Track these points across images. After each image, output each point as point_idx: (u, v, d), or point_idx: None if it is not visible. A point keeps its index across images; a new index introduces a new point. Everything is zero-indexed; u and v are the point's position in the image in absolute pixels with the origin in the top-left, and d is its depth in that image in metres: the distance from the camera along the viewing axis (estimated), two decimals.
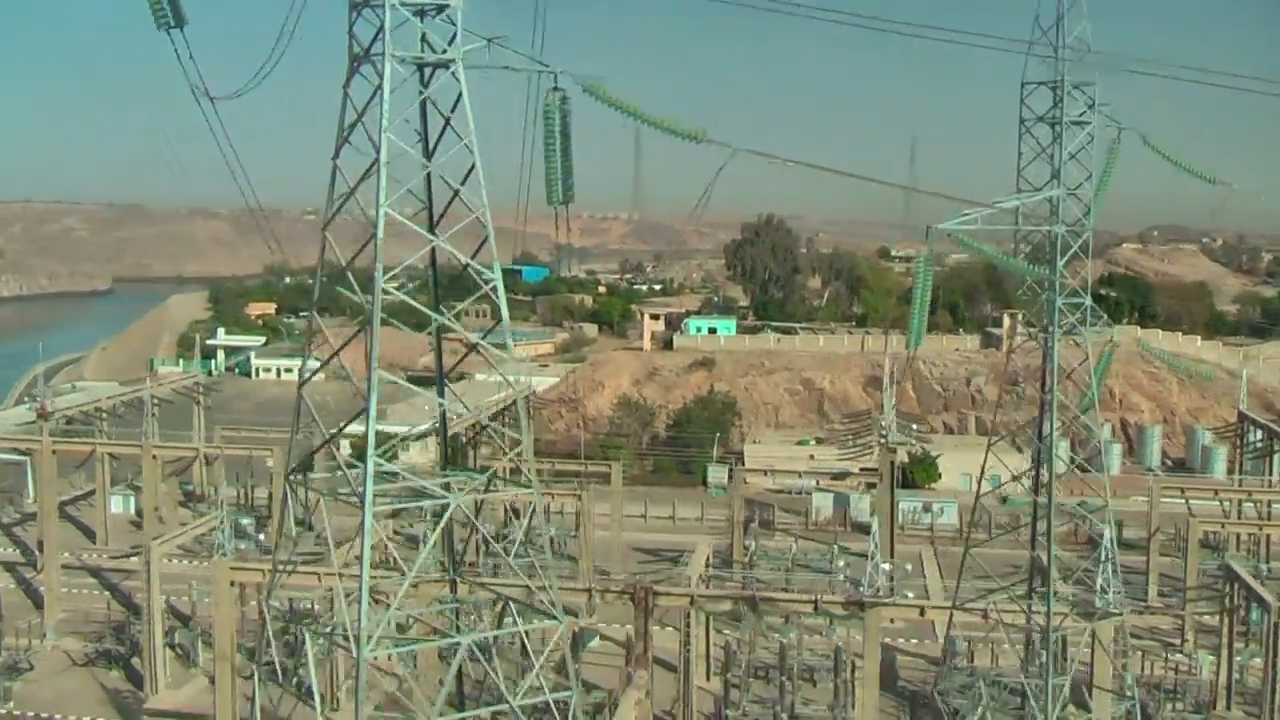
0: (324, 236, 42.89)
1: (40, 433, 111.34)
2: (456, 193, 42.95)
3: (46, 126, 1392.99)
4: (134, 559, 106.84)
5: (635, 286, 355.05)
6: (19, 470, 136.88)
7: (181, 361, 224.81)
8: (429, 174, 43.45)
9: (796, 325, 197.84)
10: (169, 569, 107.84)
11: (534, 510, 43.75)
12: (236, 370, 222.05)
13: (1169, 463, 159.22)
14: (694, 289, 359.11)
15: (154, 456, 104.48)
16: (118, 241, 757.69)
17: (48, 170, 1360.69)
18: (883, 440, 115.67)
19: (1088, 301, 56.39)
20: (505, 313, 42.92)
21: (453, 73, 41.70)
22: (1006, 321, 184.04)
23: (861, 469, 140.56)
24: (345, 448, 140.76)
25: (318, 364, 47.83)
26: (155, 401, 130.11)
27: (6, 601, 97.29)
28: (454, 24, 41.67)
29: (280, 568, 46.45)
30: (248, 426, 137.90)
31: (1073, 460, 64.39)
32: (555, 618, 43.89)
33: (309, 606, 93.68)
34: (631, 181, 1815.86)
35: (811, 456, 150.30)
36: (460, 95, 42.18)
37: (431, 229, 43.62)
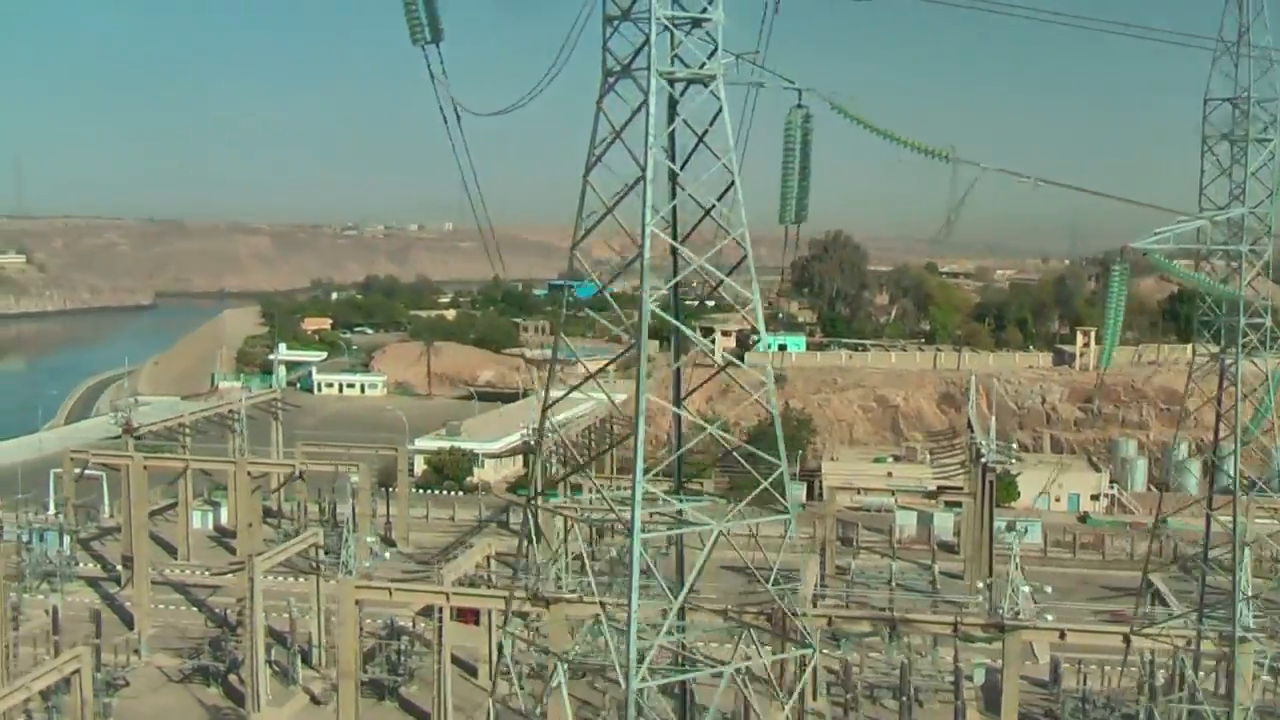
0: (572, 255, 41.51)
1: (126, 448, 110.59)
2: (707, 211, 41.36)
3: (81, 142, 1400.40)
4: (228, 575, 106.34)
5: (687, 302, 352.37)
6: (93, 485, 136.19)
7: (243, 376, 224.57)
8: (675, 190, 41.77)
9: (866, 342, 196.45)
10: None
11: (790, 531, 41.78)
12: (298, 385, 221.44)
13: None
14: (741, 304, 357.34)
15: (248, 473, 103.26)
16: (158, 256, 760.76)
17: (85, 186, 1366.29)
18: (980, 459, 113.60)
19: (1268, 322, 54.66)
20: (763, 329, 41.36)
21: (711, 90, 40.34)
22: (1080, 339, 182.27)
23: (941, 487, 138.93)
24: (418, 463, 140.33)
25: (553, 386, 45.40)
26: (236, 417, 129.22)
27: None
28: (714, 39, 40.37)
29: (517, 593, 44.88)
30: (320, 442, 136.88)
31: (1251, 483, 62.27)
32: (810, 645, 42.47)
33: (408, 625, 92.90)
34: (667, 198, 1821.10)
35: (889, 474, 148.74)
36: (719, 111, 40.65)
37: (675, 247, 41.88)
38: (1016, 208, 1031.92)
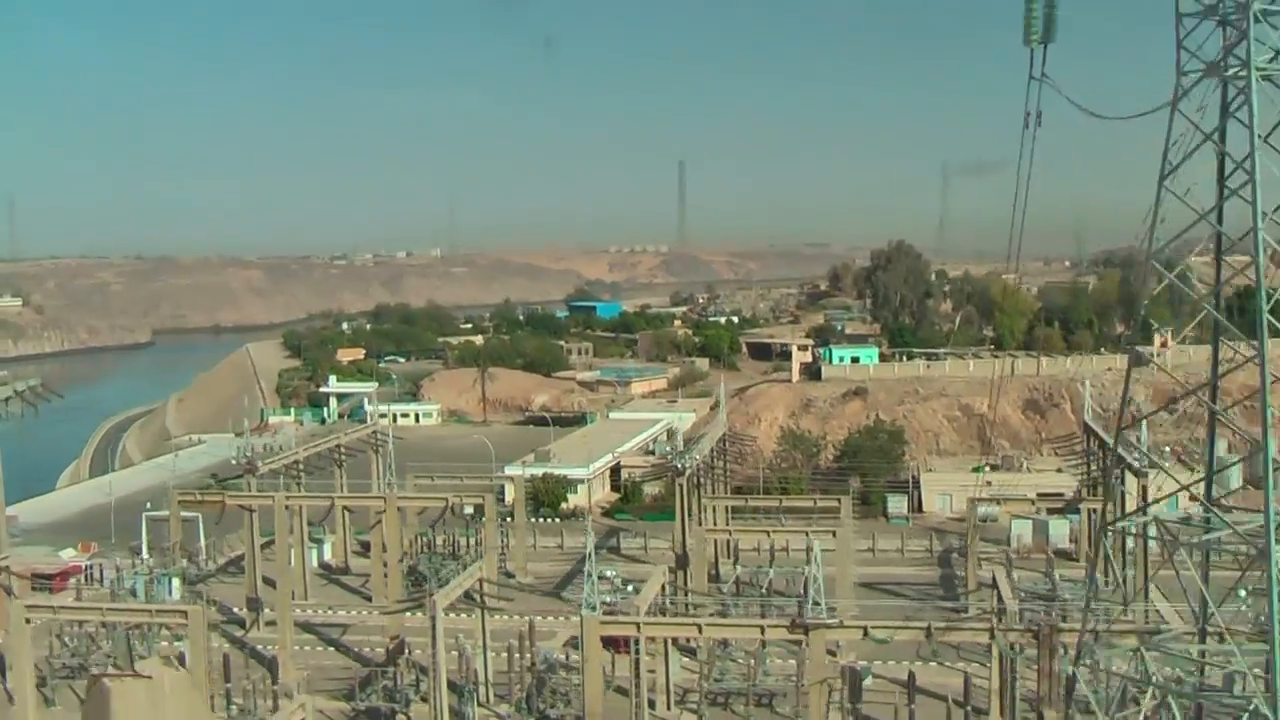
0: (1149, 264, 38.63)
1: (248, 488, 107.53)
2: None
3: (63, 182, 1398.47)
4: (395, 612, 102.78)
5: (712, 319, 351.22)
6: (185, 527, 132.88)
7: (293, 411, 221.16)
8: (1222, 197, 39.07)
9: (939, 350, 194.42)
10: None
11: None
12: (350, 416, 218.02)
13: None
14: (765, 319, 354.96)
15: (399, 508, 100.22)
16: (152, 294, 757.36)
17: (70, 226, 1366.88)
18: (1123, 466, 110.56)
19: None
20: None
21: None
22: (1157, 339, 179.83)
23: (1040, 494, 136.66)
24: (508, 491, 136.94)
25: None
26: (344, 451, 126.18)
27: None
28: None
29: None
30: (426, 474, 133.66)
31: None
32: None
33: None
34: (663, 214, 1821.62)
35: (989, 483, 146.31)
36: None
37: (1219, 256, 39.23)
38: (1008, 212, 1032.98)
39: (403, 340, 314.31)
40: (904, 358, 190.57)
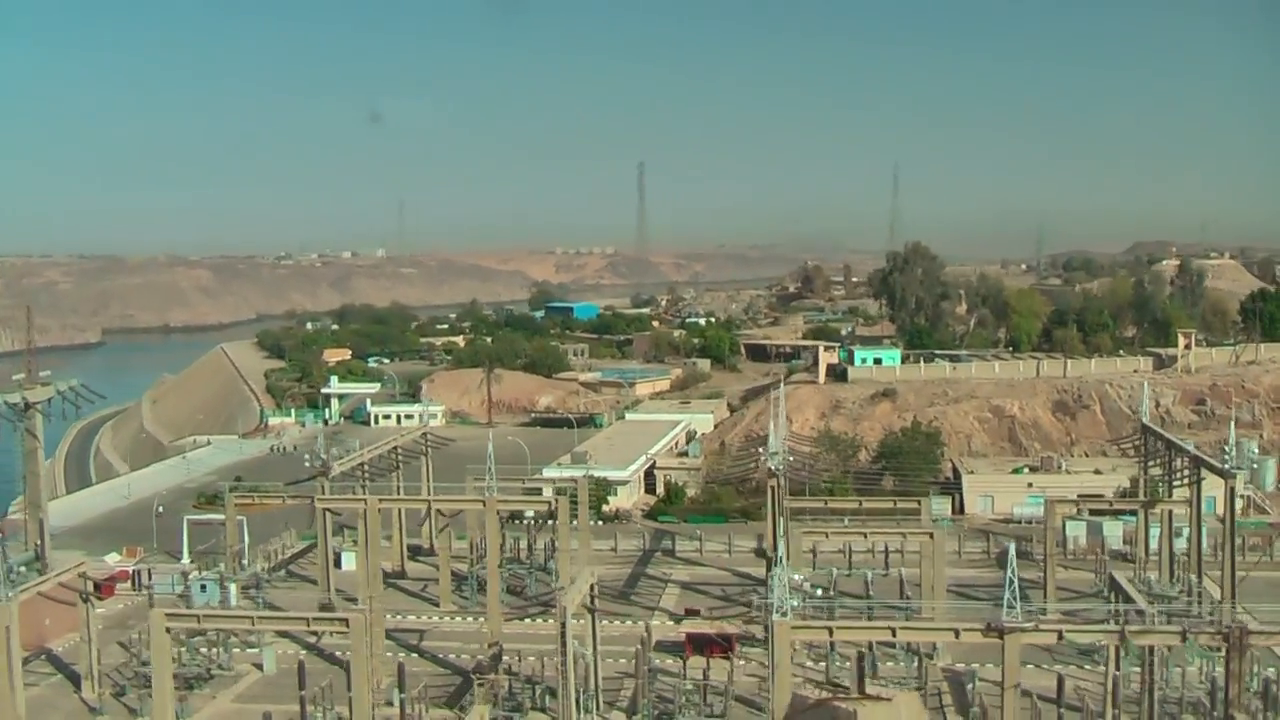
0: None
1: (322, 490, 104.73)
2: None
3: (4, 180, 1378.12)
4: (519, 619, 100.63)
5: (689, 320, 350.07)
6: (206, 531, 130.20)
7: (294, 412, 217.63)
8: None
9: (962, 352, 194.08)
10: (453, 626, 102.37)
11: None
12: (352, 418, 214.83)
13: None
14: (741, 321, 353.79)
15: (496, 512, 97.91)
16: (100, 293, 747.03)
17: (12, 224, 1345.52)
18: (1188, 470, 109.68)
19: None
20: None
21: None
22: (1181, 340, 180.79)
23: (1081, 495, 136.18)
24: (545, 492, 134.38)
25: None
26: (400, 453, 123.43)
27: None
28: None
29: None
30: (475, 476, 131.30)
31: None
32: None
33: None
34: (609, 216, 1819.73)
35: (1030, 485, 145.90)
36: None
37: None
38: (964, 214, 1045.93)
39: (385, 341, 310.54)
40: (924, 359, 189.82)
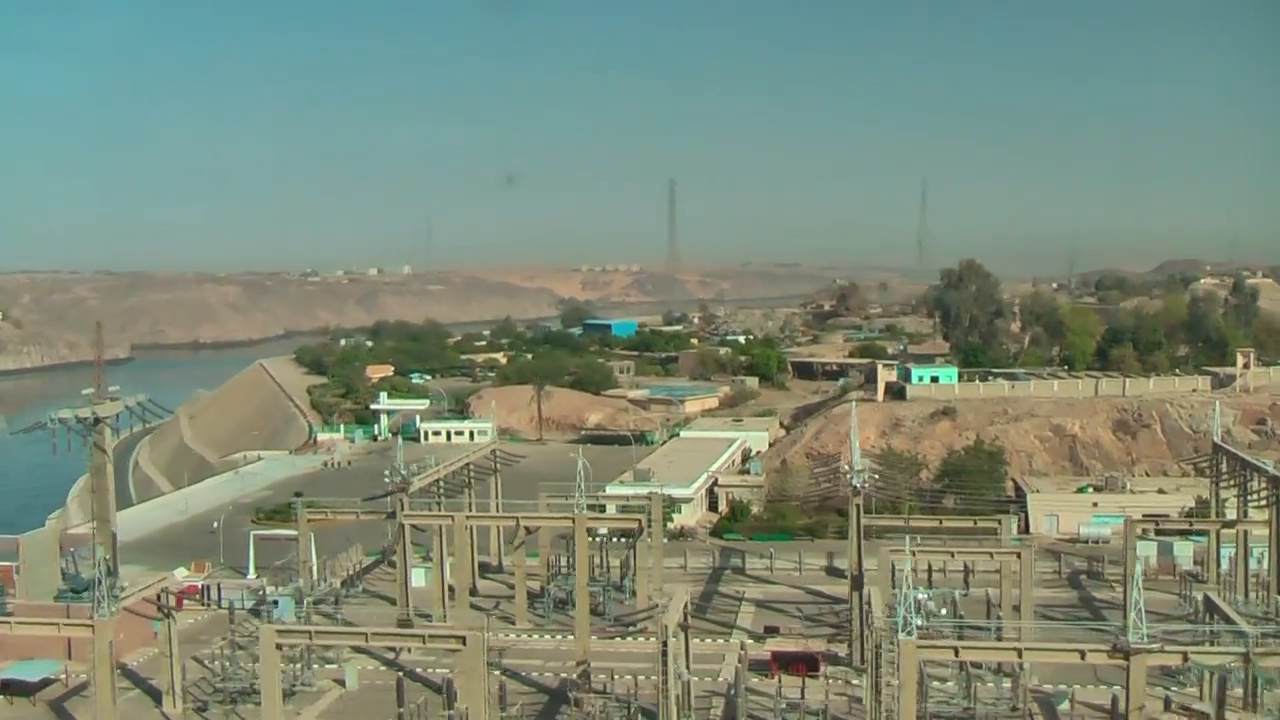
0: None
1: (401, 506, 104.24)
2: None
3: (32, 195, 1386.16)
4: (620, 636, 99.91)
5: (728, 338, 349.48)
6: (273, 546, 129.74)
7: (343, 428, 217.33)
8: None
9: (1019, 371, 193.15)
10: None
11: None
12: (400, 434, 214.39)
13: None
14: (779, 339, 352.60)
15: (586, 529, 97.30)
16: (128, 309, 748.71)
17: (40, 239, 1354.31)
18: (1266, 489, 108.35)
19: None
20: None
21: None
22: (1240, 359, 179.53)
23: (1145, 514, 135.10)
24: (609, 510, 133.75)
25: None
26: (471, 470, 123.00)
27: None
28: None
29: None
30: (551, 494, 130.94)
31: None
32: None
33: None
34: (635, 234, 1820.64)
35: (1095, 504, 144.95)
36: None
37: None
38: (991, 233, 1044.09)
39: (424, 358, 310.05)
40: (981, 378, 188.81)
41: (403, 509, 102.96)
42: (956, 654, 62.50)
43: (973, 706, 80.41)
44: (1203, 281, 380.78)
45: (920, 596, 61.59)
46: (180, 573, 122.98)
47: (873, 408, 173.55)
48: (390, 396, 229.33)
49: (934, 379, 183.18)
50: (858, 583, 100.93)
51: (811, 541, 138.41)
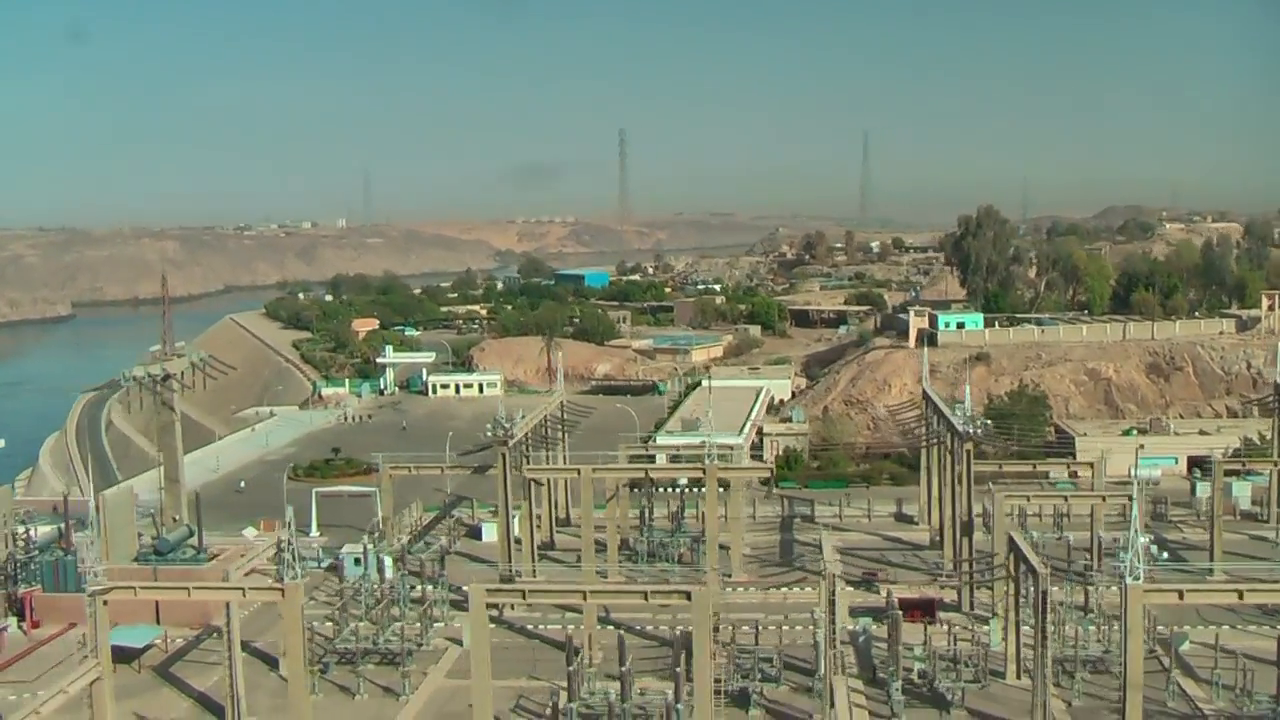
0: None
1: (504, 460, 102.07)
2: None
3: None
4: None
5: (698, 287, 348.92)
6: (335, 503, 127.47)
7: (348, 383, 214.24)
8: None
9: (1045, 316, 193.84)
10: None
11: None
12: (407, 387, 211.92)
13: None
14: (749, 288, 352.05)
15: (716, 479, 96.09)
16: (67, 266, 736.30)
17: None
18: None
19: None
20: None
21: None
22: (1265, 301, 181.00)
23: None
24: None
25: None
26: (548, 422, 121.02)
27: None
28: None
29: None
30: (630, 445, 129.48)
31: None
32: None
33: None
34: (568, 184, 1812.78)
35: (1142, 446, 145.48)
36: None
37: None
38: (926, 183, 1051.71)
39: (406, 311, 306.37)
40: (1006, 324, 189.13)
41: (505, 462, 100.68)
42: (1181, 597, 61.85)
43: (1110, 650, 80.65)
44: (1169, 227, 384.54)
45: (1143, 541, 60.67)
46: (250, 532, 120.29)
47: (908, 354, 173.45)
48: (395, 350, 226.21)
49: (960, 325, 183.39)
50: (967, 528, 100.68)
51: (866, 488, 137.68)
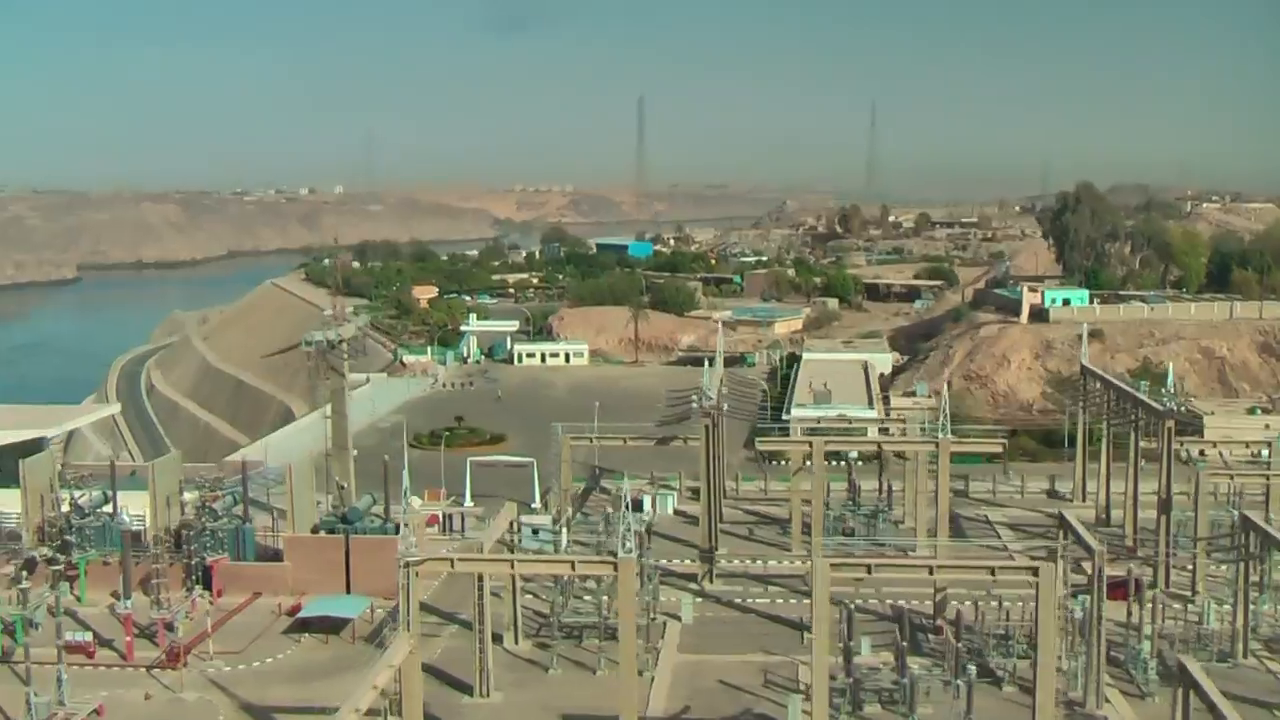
0: None
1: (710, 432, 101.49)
2: None
3: None
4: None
5: (743, 258, 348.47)
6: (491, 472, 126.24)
7: (430, 350, 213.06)
8: None
9: (1150, 293, 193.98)
10: None
11: None
12: (491, 355, 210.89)
13: None
14: (791, 261, 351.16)
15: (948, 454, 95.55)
16: (70, 229, 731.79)
17: None
18: None
19: None
20: None
21: None
22: None
23: None
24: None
25: None
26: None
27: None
28: None
29: None
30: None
31: None
32: None
33: None
34: (568, 153, 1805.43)
35: (1267, 426, 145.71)
36: None
37: None
38: (928, 158, 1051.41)
39: (461, 279, 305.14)
40: (1106, 300, 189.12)
41: (709, 435, 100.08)
42: None
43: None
44: (1204, 206, 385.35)
45: None
46: (415, 502, 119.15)
47: (1022, 330, 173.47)
48: (478, 318, 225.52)
49: (1065, 301, 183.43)
50: (1165, 506, 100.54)
51: (1004, 464, 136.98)
